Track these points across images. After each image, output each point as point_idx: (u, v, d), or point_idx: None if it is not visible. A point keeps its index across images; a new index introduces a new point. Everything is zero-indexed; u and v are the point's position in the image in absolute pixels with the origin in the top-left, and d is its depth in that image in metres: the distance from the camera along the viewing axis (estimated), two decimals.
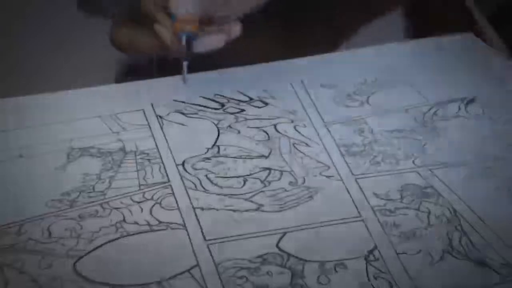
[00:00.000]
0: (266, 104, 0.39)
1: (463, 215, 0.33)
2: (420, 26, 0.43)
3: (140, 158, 0.36)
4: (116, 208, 0.33)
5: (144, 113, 0.38)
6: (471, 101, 0.39)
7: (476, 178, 0.35)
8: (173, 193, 0.34)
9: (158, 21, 0.37)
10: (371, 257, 0.31)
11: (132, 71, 0.39)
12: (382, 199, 0.34)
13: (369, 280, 0.30)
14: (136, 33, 0.38)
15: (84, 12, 0.38)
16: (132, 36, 0.38)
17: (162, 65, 0.39)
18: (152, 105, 0.38)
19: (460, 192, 0.34)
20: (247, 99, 0.39)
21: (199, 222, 0.33)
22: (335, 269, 0.31)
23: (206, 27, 0.37)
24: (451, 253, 0.31)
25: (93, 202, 0.33)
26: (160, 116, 0.38)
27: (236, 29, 0.37)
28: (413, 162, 0.35)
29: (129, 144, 0.36)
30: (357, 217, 0.33)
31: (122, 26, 0.39)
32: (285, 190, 0.34)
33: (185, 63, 0.37)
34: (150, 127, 0.37)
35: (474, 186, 0.34)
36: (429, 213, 0.33)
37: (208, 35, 0.37)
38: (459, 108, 0.38)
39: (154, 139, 0.37)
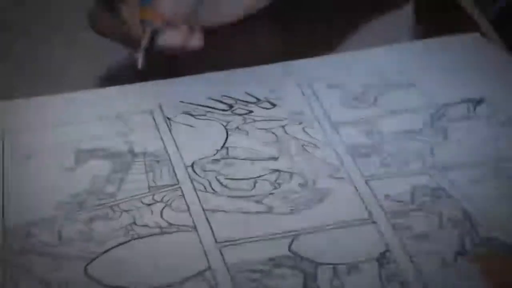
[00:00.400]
0: (274, 105, 0.39)
1: (474, 216, 0.33)
2: (427, 26, 0.43)
3: (149, 160, 0.36)
4: (126, 211, 0.33)
5: (152, 114, 0.38)
6: (480, 102, 0.38)
7: (486, 179, 0.34)
8: (183, 195, 0.34)
9: (126, 3, 0.35)
10: (384, 260, 0.31)
11: (140, 73, 0.39)
12: (393, 201, 0.34)
13: (382, 283, 0.30)
14: (113, 20, 0.37)
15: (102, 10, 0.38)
16: (105, 20, 0.37)
17: (169, 66, 0.39)
18: (160, 107, 0.38)
19: (471, 194, 0.34)
20: (254, 100, 0.39)
21: (209, 224, 0.33)
22: (348, 272, 0.31)
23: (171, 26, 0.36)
24: (464, 255, 0.31)
25: (103, 204, 0.33)
26: (168, 118, 0.38)
27: (198, 37, 0.37)
28: (423, 163, 0.35)
29: (138, 146, 0.36)
30: (368, 219, 0.33)
31: (100, 11, 0.37)
32: (296, 192, 0.34)
33: (140, 54, 0.36)
34: (158, 129, 0.37)
35: (485, 187, 0.34)
36: (440, 215, 0.33)
37: (168, 31, 0.36)
38: (468, 109, 0.38)
39: (163, 141, 0.37)
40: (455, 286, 0.30)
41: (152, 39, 0.36)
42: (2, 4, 0.43)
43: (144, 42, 0.36)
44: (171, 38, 0.36)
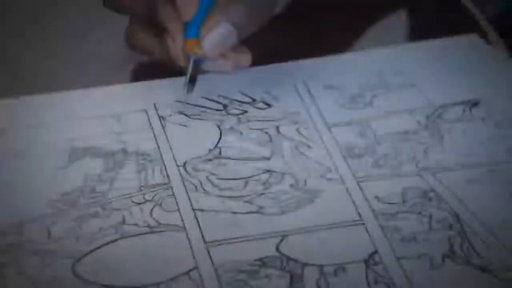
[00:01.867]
0: (269, 105, 0.39)
1: (465, 220, 0.33)
2: (424, 27, 0.42)
3: (142, 159, 0.36)
4: (117, 209, 0.33)
5: (147, 113, 0.38)
6: (476, 104, 0.38)
7: (479, 182, 0.34)
8: (174, 195, 0.34)
9: (168, 31, 0.36)
10: (371, 261, 0.31)
11: (136, 72, 0.39)
12: (384, 202, 0.34)
13: (368, 284, 0.30)
14: (149, 37, 0.37)
15: (110, 9, 0.38)
16: (145, 40, 0.37)
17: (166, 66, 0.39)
18: (155, 106, 0.38)
19: (462, 197, 0.34)
20: (250, 100, 0.39)
21: (199, 224, 0.33)
22: (334, 273, 0.31)
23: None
24: (452, 258, 0.31)
25: (93, 203, 0.33)
26: (162, 117, 0.38)
27: (246, 58, 0.37)
28: (416, 165, 0.35)
29: (131, 145, 0.36)
30: (357, 220, 0.33)
31: (138, 26, 0.38)
32: (286, 193, 0.34)
33: (186, 86, 0.37)
34: (152, 128, 0.37)
35: (477, 190, 0.34)
36: (430, 217, 0.33)
37: (216, 61, 0.36)
38: (464, 111, 0.38)
39: (156, 140, 0.37)
40: None
41: (196, 68, 0.36)
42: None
43: (189, 74, 0.36)
44: (221, 64, 0.37)
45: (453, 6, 0.42)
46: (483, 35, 0.41)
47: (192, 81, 0.37)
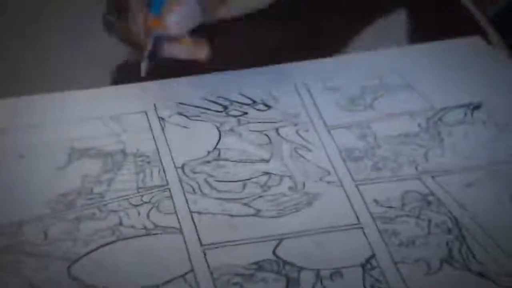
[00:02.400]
0: (269, 107, 0.38)
1: (464, 224, 0.32)
2: (426, 29, 0.42)
3: (140, 161, 0.36)
4: (114, 211, 0.33)
5: (147, 114, 0.38)
6: (477, 107, 0.38)
7: (479, 185, 0.34)
8: (171, 197, 0.34)
9: (131, 9, 0.35)
10: (368, 266, 0.31)
11: (136, 72, 0.39)
12: (382, 206, 0.33)
13: None
14: (119, 21, 0.37)
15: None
16: (117, 26, 0.37)
17: (167, 67, 0.39)
18: (155, 107, 0.38)
19: (462, 200, 0.33)
20: (250, 102, 0.39)
21: (195, 227, 0.32)
22: (331, 278, 0.30)
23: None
24: (450, 262, 0.31)
25: (91, 204, 0.33)
26: (162, 118, 0.38)
27: (203, 52, 0.37)
28: (416, 168, 0.35)
29: (130, 146, 0.36)
30: (356, 224, 0.33)
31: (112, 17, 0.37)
32: (284, 196, 0.34)
33: (144, 62, 0.36)
34: (151, 129, 0.37)
35: (477, 194, 0.34)
36: (429, 221, 0.33)
37: (174, 43, 0.36)
38: (465, 114, 0.38)
39: (155, 142, 0.37)
40: None
41: (156, 45, 0.36)
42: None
43: (147, 50, 0.36)
44: (176, 51, 0.36)
45: (453, 6, 0.41)
46: (484, 35, 0.40)
47: (152, 59, 0.36)
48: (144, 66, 0.36)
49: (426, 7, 0.43)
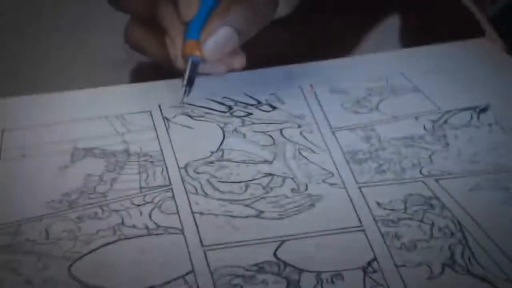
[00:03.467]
0: (274, 108, 0.38)
1: (467, 228, 0.32)
2: (431, 31, 0.42)
3: (144, 160, 0.36)
4: (116, 211, 0.33)
5: (151, 114, 0.38)
6: (484, 110, 0.38)
7: (483, 189, 0.34)
8: (174, 197, 0.34)
9: (169, 34, 0.36)
10: (370, 269, 0.31)
11: (138, 72, 0.39)
12: (385, 209, 0.33)
13: None
14: (148, 37, 0.37)
15: (114, 7, 0.38)
16: (144, 39, 0.38)
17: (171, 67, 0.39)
18: (159, 107, 0.38)
19: (466, 204, 0.33)
20: (255, 102, 0.39)
21: (197, 227, 0.32)
22: (332, 280, 0.30)
23: None
24: (452, 267, 0.31)
25: (93, 203, 0.33)
26: (166, 118, 0.38)
27: (240, 61, 0.37)
28: (420, 171, 0.35)
29: (134, 145, 0.36)
30: (358, 226, 0.32)
31: (137, 26, 0.38)
32: (287, 197, 0.34)
33: (183, 88, 0.37)
34: (156, 129, 0.37)
35: (481, 198, 0.33)
36: (432, 225, 0.32)
37: (211, 63, 0.36)
38: (471, 117, 0.37)
39: (159, 141, 0.37)
40: None
41: (193, 70, 0.36)
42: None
43: (186, 76, 0.36)
44: (214, 66, 0.37)
45: (453, 6, 0.41)
46: (483, 35, 0.40)
47: (190, 83, 0.37)
48: (183, 94, 0.37)
49: (429, 5, 0.42)
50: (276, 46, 0.42)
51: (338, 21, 0.42)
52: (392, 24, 0.43)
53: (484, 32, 0.40)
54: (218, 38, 0.36)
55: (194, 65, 0.36)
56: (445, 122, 0.37)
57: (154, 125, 0.37)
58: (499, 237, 0.31)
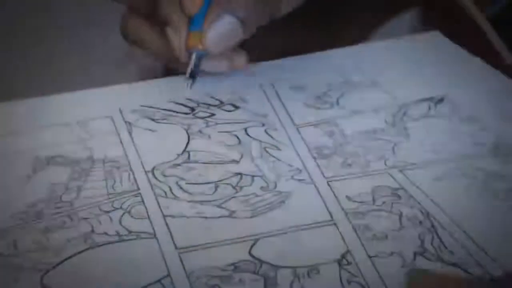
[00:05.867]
0: (237, 107, 0.38)
1: (434, 216, 0.33)
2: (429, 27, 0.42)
3: (109, 166, 0.35)
4: (85, 219, 0.33)
5: (113, 119, 0.37)
6: (440, 100, 0.39)
7: (446, 178, 0.35)
8: (143, 201, 0.33)
9: (172, 24, 0.35)
10: (344, 261, 0.31)
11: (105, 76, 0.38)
12: (354, 201, 0.34)
13: (342, 284, 0.30)
14: (146, 28, 0.36)
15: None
16: (141, 31, 0.36)
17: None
18: (120, 111, 0.38)
19: (431, 193, 0.34)
20: (217, 102, 0.39)
21: (169, 231, 0.32)
22: (308, 275, 0.31)
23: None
24: (423, 254, 0.31)
25: (60, 213, 0.33)
26: (129, 123, 0.37)
27: (241, 59, 0.36)
28: (385, 163, 0.35)
29: (97, 152, 0.36)
30: (329, 220, 0.33)
31: (134, 17, 0.36)
32: (257, 195, 0.34)
33: (188, 82, 0.36)
34: (118, 134, 0.37)
35: (445, 186, 0.34)
36: (400, 215, 0.33)
37: (213, 58, 0.36)
38: (429, 108, 0.38)
39: (123, 146, 0.36)
40: None
41: (196, 63, 0.36)
42: None
43: (190, 68, 0.35)
44: (215, 64, 0.36)
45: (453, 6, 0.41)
46: (483, 36, 0.41)
47: (193, 76, 0.36)
48: (187, 85, 0.36)
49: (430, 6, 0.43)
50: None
51: (300, 20, 0.42)
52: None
53: (481, 32, 0.40)
54: (220, 27, 0.34)
55: (198, 58, 0.35)
56: (404, 114, 0.38)
57: (116, 130, 0.37)
58: (466, 223, 0.32)
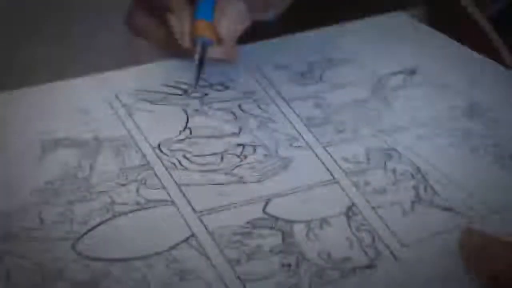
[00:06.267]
0: (227, 87, 0.40)
1: (424, 169, 0.36)
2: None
3: (116, 145, 0.36)
4: (103, 192, 0.34)
5: (110, 104, 0.39)
6: (413, 72, 0.42)
7: (430, 137, 0.38)
8: (156, 174, 0.35)
9: (175, 12, 0.35)
10: (351, 213, 0.34)
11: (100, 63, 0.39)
12: (351, 162, 0.37)
13: (352, 232, 0.33)
14: (152, 21, 0.36)
15: None
16: (146, 22, 0.36)
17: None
18: (116, 96, 0.39)
19: (418, 150, 0.37)
20: (207, 84, 0.40)
21: (186, 197, 0.34)
22: (320, 226, 0.33)
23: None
24: (419, 202, 0.35)
25: (79, 187, 0.34)
26: (126, 105, 0.39)
27: (235, 53, 0.37)
28: (373, 128, 0.39)
29: (102, 133, 0.37)
30: (331, 179, 0.36)
31: (140, 10, 0.36)
32: (261, 162, 0.36)
33: (196, 70, 0.36)
34: (119, 117, 0.38)
35: (430, 144, 0.38)
36: (394, 171, 0.36)
37: (224, 47, 0.36)
38: (404, 79, 0.42)
39: (125, 127, 0.37)
40: (417, 229, 0.33)
41: (203, 51, 0.35)
42: None
43: (198, 56, 0.35)
44: (219, 52, 0.36)
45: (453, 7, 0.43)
46: (483, 36, 0.43)
47: (200, 64, 0.36)
48: (195, 74, 0.36)
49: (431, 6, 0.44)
50: None
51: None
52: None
53: (481, 31, 0.42)
54: (233, 15, 0.34)
55: (205, 47, 0.36)
56: (383, 85, 0.41)
57: (116, 113, 0.38)
58: (451, 172, 0.36)
